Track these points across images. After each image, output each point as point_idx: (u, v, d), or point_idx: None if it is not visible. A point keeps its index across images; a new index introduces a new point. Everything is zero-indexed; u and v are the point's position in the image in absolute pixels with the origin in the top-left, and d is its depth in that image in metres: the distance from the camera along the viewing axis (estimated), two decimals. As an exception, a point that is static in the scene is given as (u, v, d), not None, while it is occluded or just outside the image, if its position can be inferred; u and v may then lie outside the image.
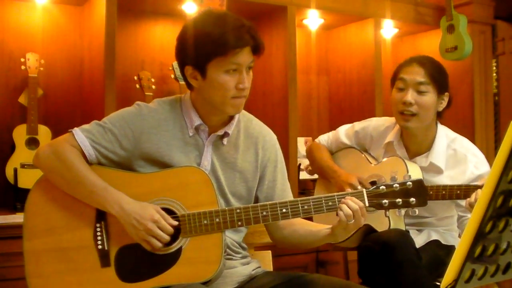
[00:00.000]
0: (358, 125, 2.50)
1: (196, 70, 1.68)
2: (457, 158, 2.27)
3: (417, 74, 2.24)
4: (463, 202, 2.19)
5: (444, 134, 2.33)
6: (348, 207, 1.63)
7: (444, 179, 2.26)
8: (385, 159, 2.33)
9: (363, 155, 2.42)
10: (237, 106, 1.71)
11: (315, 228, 1.78)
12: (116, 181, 1.67)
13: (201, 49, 1.64)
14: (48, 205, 1.70)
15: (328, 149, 2.55)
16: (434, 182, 2.23)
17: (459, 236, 2.30)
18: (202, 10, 1.79)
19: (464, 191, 2.11)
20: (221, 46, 1.62)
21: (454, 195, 2.13)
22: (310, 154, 2.60)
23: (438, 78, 2.26)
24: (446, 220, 2.36)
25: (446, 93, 2.29)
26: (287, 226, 1.82)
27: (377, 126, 2.44)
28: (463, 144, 2.32)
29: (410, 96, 2.22)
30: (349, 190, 2.20)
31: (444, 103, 2.30)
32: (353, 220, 1.63)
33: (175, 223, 1.63)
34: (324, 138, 2.59)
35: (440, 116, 2.33)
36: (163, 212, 1.63)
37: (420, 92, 2.23)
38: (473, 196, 2.02)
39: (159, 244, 1.61)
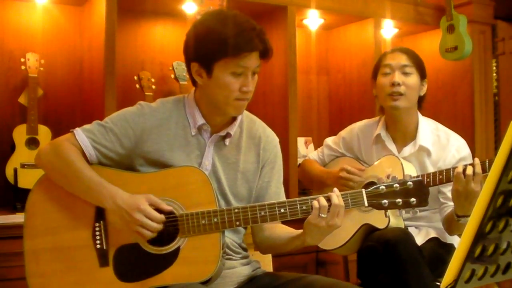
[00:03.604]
0: (343, 132, 2.59)
1: (202, 67, 1.68)
2: (441, 143, 2.36)
3: (401, 59, 2.40)
4: (444, 189, 2.29)
5: (426, 122, 2.43)
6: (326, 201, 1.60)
7: (430, 163, 2.33)
8: (378, 161, 2.35)
9: (354, 160, 2.46)
10: (239, 108, 1.72)
11: (290, 231, 1.77)
12: (115, 181, 1.68)
13: (209, 48, 1.65)
14: (48, 205, 1.71)
15: (320, 162, 2.60)
16: (424, 166, 2.33)
17: (443, 226, 2.32)
18: (214, 10, 1.80)
19: (445, 175, 2.18)
20: (230, 48, 1.62)
21: (437, 180, 2.20)
22: (302, 171, 2.66)
23: (419, 63, 2.42)
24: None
25: (425, 80, 2.43)
26: (268, 228, 1.81)
27: (361, 126, 2.54)
28: (445, 130, 2.43)
29: (397, 77, 2.35)
30: (344, 173, 2.28)
31: (424, 89, 2.43)
32: (327, 215, 1.59)
33: (168, 207, 1.63)
34: (314, 154, 2.67)
35: (420, 106, 2.44)
36: (155, 199, 1.62)
37: (405, 74, 2.37)
38: (460, 167, 2.07)
39: (149, 234, 1.60)
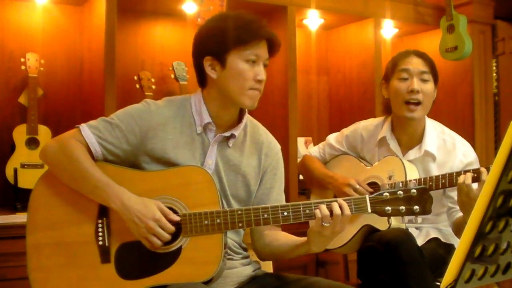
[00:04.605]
0: (346, 130, 2.54)
1: (216, 59, 1.71)
2: (447, 147, 2.33)
3: (419, 64, 2.33)
4: (451, 193, 2.26)
5: (432, 125, 2.40)
6: (330, 210, 1.59)
7: (435, 168, 2.31)
8: (380, 160, 2.34)
9: (356, 159, 2.43)
10: (253, 99, 1.74)
11: (293, 238, 1.77)
12: (120, 178, 1.68)
13: (222, 39, 1.70)
14: (51, 199, 1.71)
15: (321, 159, 2.57)
16: (428, 171, 2.30)
17: (453, 230, 2.32)
18: (219, 13, 1.87)
19: (448, 179, 2.15)
20: (242, 36, 1.69)
21: (440, 184, 2.17)
22: (302, 167, 2.61)
23: (435, 68, 2.37)
24: (443, 215, 2.38)
25: (437, 85, 2.39)
26: (269, 235, 1.81)
27: (366, 126, 2.49)
28: (451, 134, 2.39)
29: (416, 84, 2.29)
30: (351, 191, 2.24)
31: (435, 94, 2.38)
32: (330, 223, 1.59)
33: (177, 218, 1.63)
34: (315, 150, 2.61)
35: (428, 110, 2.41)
36: (165, 208, 1.63)
37: (423, 81, 2.32)
38: (461, 178, 2.06)
39: (159, 242, 1.61)
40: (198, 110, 1.77)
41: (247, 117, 1.84)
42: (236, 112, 1.80)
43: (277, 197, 1.85)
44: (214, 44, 1.71)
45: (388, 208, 1.64)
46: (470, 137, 3.78)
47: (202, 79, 1.78)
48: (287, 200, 1.89)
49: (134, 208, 1.61)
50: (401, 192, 1.63)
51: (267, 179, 1.84)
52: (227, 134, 1.77)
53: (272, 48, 1.76)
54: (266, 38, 1.72)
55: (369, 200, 1.64)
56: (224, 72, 1.71)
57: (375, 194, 1.65)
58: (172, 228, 1.62)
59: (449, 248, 2.28)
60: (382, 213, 1.64)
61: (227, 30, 1.70)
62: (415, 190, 1.63)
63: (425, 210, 1.63)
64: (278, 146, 1.91)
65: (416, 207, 1.63)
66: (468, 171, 2.09)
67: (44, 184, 1.74)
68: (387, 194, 1.64)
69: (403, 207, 1.63)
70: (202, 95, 1.79)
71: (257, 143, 1.85)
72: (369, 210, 1.64)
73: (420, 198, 1.63)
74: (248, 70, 1.70)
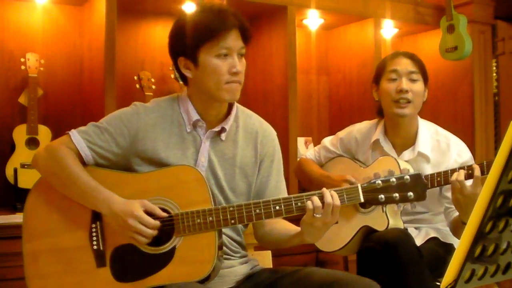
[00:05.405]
0: (341, 133, 2.54)
1: (188, 59, 1.71)
2: (441, 148, 2.33)
3: (407, 64, 2.34)
4: (447, 193, 2.25)
5: (425, 126, 2.39)
6: (320, 200, 1.58)
7: (430, 169, 2.30)
8: (375, 161, 2.34)
9: (352, 160, 2.44)
10: (232, 92, 1.71)
11: (290, 227, 1.77)
12: (111, 181, 1.68)
13: (190, 38, 1.69)
14: (46, 207, 1.71)
15: (317, 162, 2.57)
16: (423, 173, 2.27)
17: (450, 230, 2.32)
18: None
19: (443, 176, 2.15)
20: (208, 31, 1.66)
21: (435, 182, 2.17)
22: (299, 170, 2.60)
23: (424, 68, 2.37)
24: (441, 215, 2.38)
25: (427, 85, 2.39)
26: (268, 224, 1.81)
27: (360, 129, 2.49)
28: (445, 134, 2.39)
29: (405, 84, 2.30)
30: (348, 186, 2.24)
31: (426, 94, 2.39)
32: (321, 214, 1.58)
33: (164, 214, 1.62)
34: (310, 153, 2.62)
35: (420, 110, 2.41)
36: (150, 205, 1.62)
37: (412, 80, 2.32)
38: (454, 175, 2.06)
39: (144, 240, 1.60)
40: (185, 109, 1.77)
41: (239, 108, 1.83)
42: (223, 106, 1.78)
43: (276, 184, 1.84)
44: (183, 44, 1.71)
45: (382, 196, 1.60)
46: (470, 137, 3.79)
47: (183, 78, 1.79)
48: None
49: (118, 209, 1.61)
50: (394, 180, 1.60)
51: (264, 167, 1.83)
52: (218, 128, 1.77)
53: (245, 35, 1.72)
54: (234, 27, 1.68)
55: (361, 189, 1.61)
56: (198, 70, 1.70)
57: (367, 183, 1.62)
58: (155, 223, 1.60)
59: (448, 248, 2.28)
60: (376, 202, 1.61)
61: (193, 28, 1.68)
62: (408, 177, 1.60)
63: (420, 196, 1.59)
64: (273, 133, 1.90)
65: (410, 193, 1.59)
66: (462, 168, 2.10)
67: (38, 191, 1.74)
68: (380, 182, 1.61)
69: (396, 194, 1.60)
70: (187, 94, 1.79)
71: (251, 132, 1.84)
72: (362, 199, 1.61)
73: (414, 184, 1.59)
74: (220, 65, 1.68)
